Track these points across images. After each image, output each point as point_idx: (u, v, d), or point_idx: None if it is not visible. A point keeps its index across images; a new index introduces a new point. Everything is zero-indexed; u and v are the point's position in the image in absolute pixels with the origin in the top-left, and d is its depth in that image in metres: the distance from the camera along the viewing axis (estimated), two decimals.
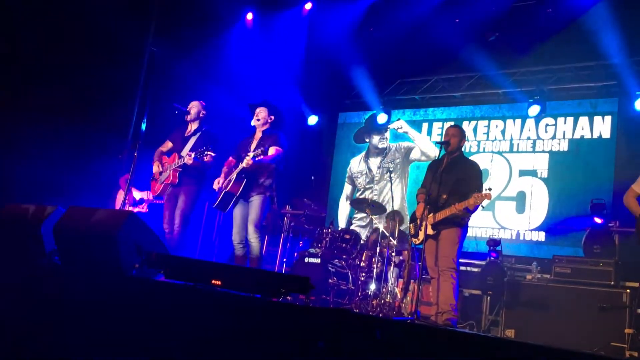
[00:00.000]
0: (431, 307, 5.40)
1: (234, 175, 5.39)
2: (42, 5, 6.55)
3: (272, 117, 5.63)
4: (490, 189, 4.66)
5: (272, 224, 7.86)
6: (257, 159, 5.17)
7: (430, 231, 4.86)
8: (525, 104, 7.92)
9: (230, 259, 7.26)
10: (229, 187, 5.37)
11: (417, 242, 5.03)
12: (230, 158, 5.68)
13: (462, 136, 5.14)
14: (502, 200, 7.97)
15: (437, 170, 5.02)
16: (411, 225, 5.19)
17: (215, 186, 5.53)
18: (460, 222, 4.86)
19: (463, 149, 5.22)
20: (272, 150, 5.32)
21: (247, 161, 5.16)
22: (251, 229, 5.30)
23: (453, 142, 5.05)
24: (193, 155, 5.48)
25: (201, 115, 5.95)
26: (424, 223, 4.89)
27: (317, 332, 2.45)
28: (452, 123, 8.65)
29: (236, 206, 5.45)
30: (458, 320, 5.45)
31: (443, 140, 5.11)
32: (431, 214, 4.84)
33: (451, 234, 4.82)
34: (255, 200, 5.35)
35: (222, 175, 5.57)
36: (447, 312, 4.68)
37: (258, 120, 5.59)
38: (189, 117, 5.90)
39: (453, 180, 4.90)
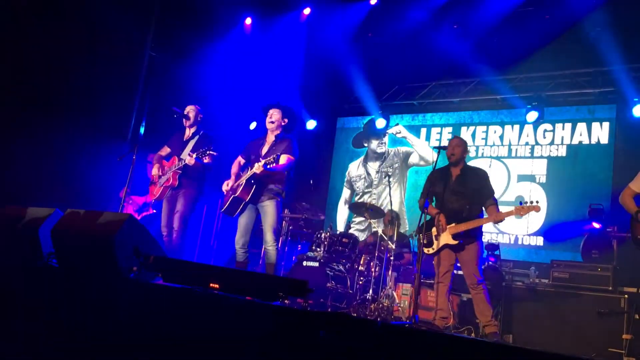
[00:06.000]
0: (430, 311, 5.41)
1: (243, 180, 5.21)
2: (41, 5, 6.55)
3: (286, 120, 5.45)
4: (537, 202, 4.81)
5: None
6: (268, 166, 5.02)
7: (451, 241, 4.91)
8: (524, 110, 7.94)
9: (229, 262, 7.24)
10: (238, 193, 5.20)
11: (431, 251, 5.07)
12: (239, 158, 5.54)
13: (465, 146, 5.23)
14: (500, 205, 7.91)
15: (447, 182, 5.10)
16: (425, 234, 5.14)
17: (224, 188, 5.37)
18: (480, 235, 5.02)
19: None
20: (283, 159, 5.16)
21: (258, 167, 5.00)
22: (269, 236, 5.13)
23: (457, 153, 5.14)
24: (194, 155, 5.46)
25: (198, 119, 5.97)
26: (442, 233, 4.96)
27: (314, 336, 2.44)
28: (451, 129, 8.75)
29: (243, 212, 5.30)
30: (456, 325, 5.47)
31: (447, 151, 5.15)
32: (453, 224, 4.90)
33: (475, 249, 4.95)
34: (269, 206, 5.19)
35: (232, 177, 5.42)
36: (488, 324, 4.82)
37: (272, 122, 5.39)
38: (188, 123, 5.93)
39: (470, 191, 5.02)
